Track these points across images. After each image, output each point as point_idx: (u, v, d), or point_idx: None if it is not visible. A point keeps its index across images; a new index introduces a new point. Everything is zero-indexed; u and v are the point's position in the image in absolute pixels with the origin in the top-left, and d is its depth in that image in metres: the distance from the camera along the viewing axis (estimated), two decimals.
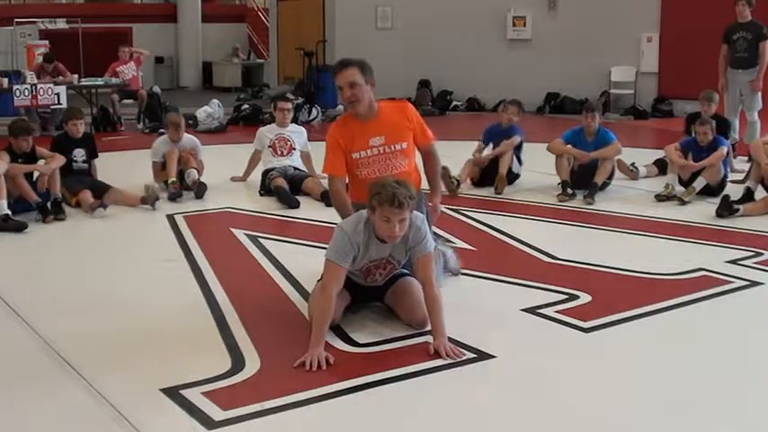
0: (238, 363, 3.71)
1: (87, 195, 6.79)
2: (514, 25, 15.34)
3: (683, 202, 7.11)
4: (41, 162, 6.83)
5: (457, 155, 8.07)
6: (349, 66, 4.41)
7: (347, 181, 4.59)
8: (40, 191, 6.66)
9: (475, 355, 3.78)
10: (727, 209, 6.59)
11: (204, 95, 16.17)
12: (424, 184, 4.74)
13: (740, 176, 7.76)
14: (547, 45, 14.92)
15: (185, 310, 4.46)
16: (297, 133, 7.99)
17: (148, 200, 6.93)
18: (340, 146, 4.48)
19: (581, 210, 7.04)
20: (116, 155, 9.88)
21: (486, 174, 7.92)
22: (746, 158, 8.33)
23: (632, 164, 8.39)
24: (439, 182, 4.85)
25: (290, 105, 8.18)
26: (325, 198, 7.04)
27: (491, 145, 8.02)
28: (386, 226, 3.80)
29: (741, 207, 6.66)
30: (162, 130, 8.48)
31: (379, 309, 4.29)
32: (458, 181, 7.66)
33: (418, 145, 4.64)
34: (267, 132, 7.93)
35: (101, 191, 7.06)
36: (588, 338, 4.08)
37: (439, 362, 3.71)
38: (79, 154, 7.26)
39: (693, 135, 7.74)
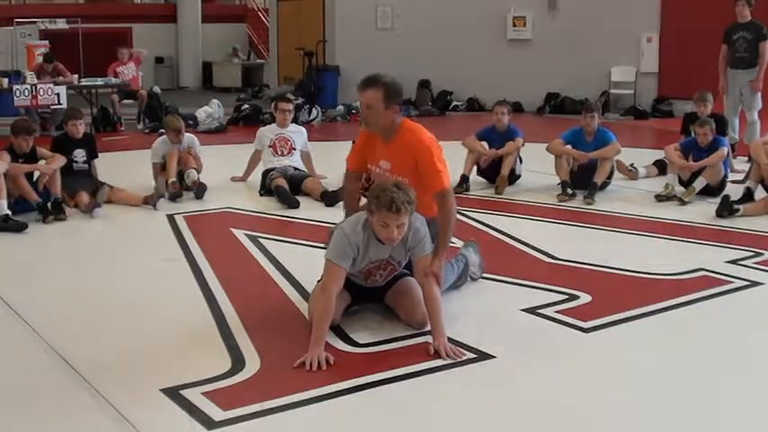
0: (238, 363, 3.71)
1: (84, 197, 6.79)
2: (514, 25, 15.34)
3: (683, 203, 7.11)
4: (42, 162, 6.83)
5: (457, 155, 8.07)
6: (371, 87, 4.17)
7: (365, 176, 4.57)
8: (41, 190, 6.65)
9: (475, 356, 3.78)
10: (727, 209, 6.59)
11: (204, 95, 16.15)
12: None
13: (740, 176, 7.76)
14: (547, 45, 14.93)
15: (185, 310, 4.46)
16: (297, 133, 7.99)
17: (151, 200, 6.94)
18: (361, 148, 4.47)
19: (581, 210, 7.04)
20: (116, 155, 9.89)
21: (489, 173, 7.94)
22: (746, 158, 8.33)
23: (631, 164, 8.39)
24: (444, 241, 4.15)
25: (291, 106, 8.18)
26: (325, 198, 7.05)
27: (486, 144, 8.02)
28: (384, 230, 3.80)
29: (741, 207, 6.66)
30: (162, 131, 8.47)
31: (379, 309, 4.29)
32: (466, 178, 7.66)
33: (427, 190, 4.20)
34: (267, 132, 7.93)
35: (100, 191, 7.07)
36: (588, 338, 4.08)
37: (439, 362, 3.71)
38: (79, 154, 7.26)
39: (693, 135, 7.75)
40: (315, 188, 7.32)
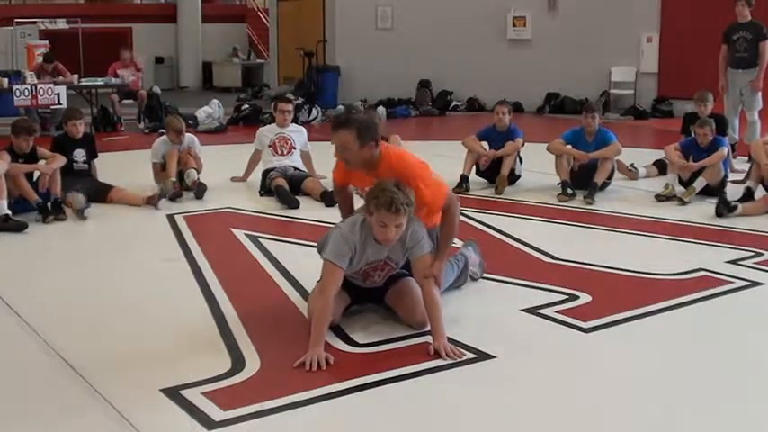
0: (238, 363, 3.71)
1: (72, 203, 6.75)
2: (514, 25, 15.35)
3: (683, 203, 7.11)
4: (42, 162, 6.83)
5: (457, 155, 8.08)
6: (342, 128, 4.00)
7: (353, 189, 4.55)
8: (41, 191, 6.65)
9: (475, 356, 3.78)
10: (725, 206, 6.59)
11: (204, 96, 16.17)
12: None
13: (740, 176, 7.77)
14: (547, 45, 14.94)
15: (185, 310, 4.46)
16: (297, 133, 7.99)
17: (153, 200, 6.94)
18: (344, 169, 4.36)
19: (581, 210, 7.04)
20: (116, 155, 9.89)
21: (489, 173, 7.94)
22: (746, 158, 8.33)
23: (631, 164, 8.40)
24: (446, 244, 4.18)
25: (290, 107, 8.17)
26: (325, 198, 7.05)
27: (486, 144, 8.04)
28: (382, 230, 3.81)
29: (739, 205, 6.66)
30: (162, 131, 8.47)
31: (379, 309, 4.29)
32: (465, 178, 7.68)
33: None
34: (267, 132, 7.94)
35: (101, 191, 7.07)
36: (588, 338, 4.08)
37: (439, 362, 3.71)
38: (79, 154, 7.26)
39: (693, 135, 7.75)
40: (315, 188, 7.32)
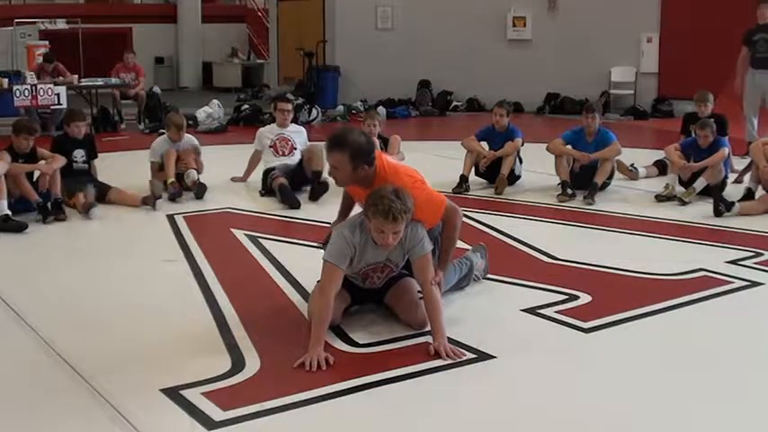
0: (238, 363, 3.71)
1: (81, 198, 6.77)
2: (514, 25, 15.36)
3: (683, 203, 7.11)
4: (42, 162, 6.83)
5: (457, 155, 8.08)
6: (336, 150, 3.99)
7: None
8: (41, 191, 6.65)
9: (475, 356, 3.79)
10: (722, 203, 6.60)
11: (204, 96, 16.17)
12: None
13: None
14: (547, 45, 14.94)
15: (185, 310, 4.47)
16: (297, 133, 7.99)
17: (149, 200, 6.94)
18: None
19: (581, 210, 7.04)
20: (116, 155, 9.88)
21: (489, 173, 7.94)
22: (746, 157, 8.31)
23: (632, 164, 8.39)
24: (448, 252, 4.25)
25: (290, 107, 8.17)
26: (312, 194, 7.17)
27: (486, 145, 8.04)
28: (380, 236, 3.82)
29: (737, 202, 6.67)
30: (162, 131, 8.46)
31: (379, 309, 4.29)
32: (465, 179, 7.68)
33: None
34: (267, 133, 7.93)
35: (101, 191, 7.07)
36: (588, 338, 4.08)
37: (439, 362, 3.71)
38: (79, 154, 7.26)
39: (693, 136, 7.75)
40: (314, 157, 7.34)
